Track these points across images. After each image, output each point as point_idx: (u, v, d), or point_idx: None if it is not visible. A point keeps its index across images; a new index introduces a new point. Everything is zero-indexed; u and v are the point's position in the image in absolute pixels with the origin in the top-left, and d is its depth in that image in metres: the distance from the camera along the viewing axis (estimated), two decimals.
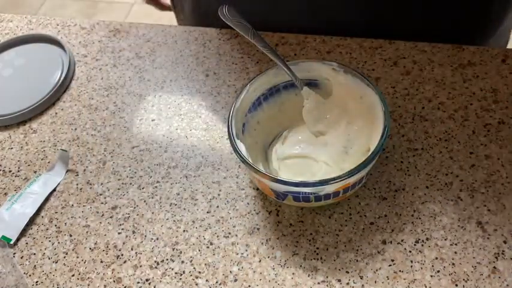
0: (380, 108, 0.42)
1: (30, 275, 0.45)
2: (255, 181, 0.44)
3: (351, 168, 0.39)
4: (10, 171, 0.53)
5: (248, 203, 0.47)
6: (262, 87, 0.47)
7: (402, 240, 0.43)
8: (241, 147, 0.42)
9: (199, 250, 0.45)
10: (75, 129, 0.56)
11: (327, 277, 0.42)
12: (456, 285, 0.40)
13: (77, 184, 0.51)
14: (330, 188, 0.40)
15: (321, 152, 0.46)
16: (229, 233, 0.45)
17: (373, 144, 0.41)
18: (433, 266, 0.41)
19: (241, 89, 0.45)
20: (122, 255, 0.45)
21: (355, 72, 0.45)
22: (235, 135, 0.43)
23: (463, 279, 0.40)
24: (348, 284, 0.41)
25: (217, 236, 0.45)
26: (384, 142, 0.40)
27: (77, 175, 0.52)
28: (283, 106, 0.49)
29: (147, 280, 0.44)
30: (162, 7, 0.84)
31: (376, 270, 0.42)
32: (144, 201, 0.49)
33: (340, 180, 0.39)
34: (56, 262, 0.46)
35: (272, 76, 0.47)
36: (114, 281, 0.44)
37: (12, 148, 0.55)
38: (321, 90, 0.48)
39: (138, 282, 0.44)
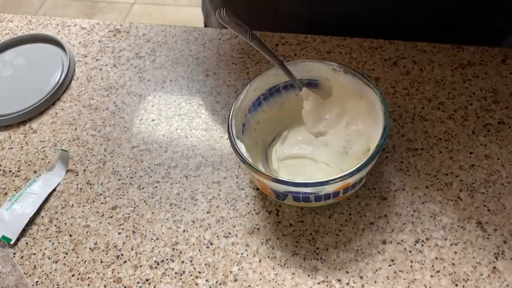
0: (380, 108, 0.42)
1: (30, 275, 0.45)
2: (255, 181, 0.44)
3: (350, 169, 0.39)
4: (10, 171, 0.53)
5: (248, 203, 0.47)
6: (262, 87, 0.47)
7: (402, 240, 0.43)
8: (241, 147, 0.42)
9: (199, 250, 0.45)
10: (75, 129, 0.56)
11: (327, 277, 0.42)
12: (456, 285, 0.40)
13: (77, 184, 0.51)
14: (330, 188, 0.40)
15: (321, 152, 0.46)
16: (229, 233, 0.45)
17: (373, 144, 0.41)
18: (433, 266, 0.41)
19: (241, 89, 0.45)
20: (122, 255, 0.45)
21: (355, 72, 0.45)
22: (235, 135, 0.43)
23: (463, 279, 0.40)
24: (348, 284, 0.41)
25: (217, 236, 0.45)
26: (384, 142, 0.40)
27: (77, 175, 0.52)
28: (283, 106, 0.49)
29: (147, 280, 0.44)
30: None
31: (376, 270, 0.42)
32: (144, 201, 0.49)
33: (340, 180, 0.39)
34: (56, 262, 0.46)
35: (272, 76, 0.47)
36: (114, 281, 0.44)
37: (12, 148, 0.55)
38: (321, 91, 0.48)
39: (138, 282, 0.44)
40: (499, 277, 0.40)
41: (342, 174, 0.39)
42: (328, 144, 0.46)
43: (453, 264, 0.41)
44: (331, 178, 0.39)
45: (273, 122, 0.49)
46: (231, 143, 0.42)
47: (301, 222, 0.45)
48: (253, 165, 0.40)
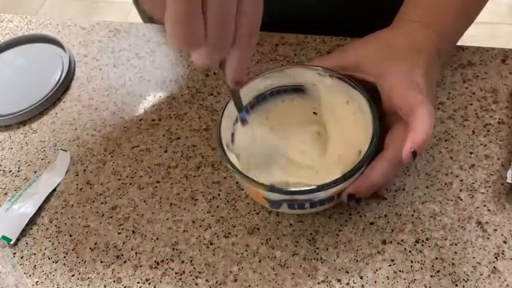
0: (368, 112, 0.42)
1: (30, 275, 0.45)
2: (248, 190, 0.44)
3: (342, 174, 0.39)
4: (10, 171, 0.53)
5: (248, 203, 0.47)
6: (248, 95, 0.46)
7: (402, 240, 0.43)
8: (232, 158, 0.41)
9: (199, 250, 0.45)
10: (75, 129, 0.56)
11: (327, 277, 0.42)
12: (456, 285, 0.40)
13: (77, 184, 0.51)
14: (323, 194, 0.39)
15: (313, 158, 0.46)
16: (229, 233, 0.45)
17: (364, 148, 0.40)
18: (433, 266, 0.41)
19: (228, 100, 0.44)
20: (122, 255, 0.45)
21: (340, 76, 0.44)
22: (226, 145, 0.42)
23: (463, 279, 0.40)
24: (348, 284, 0.41)
25: (217, 236, 0.45)
26: (373, 146, 0.39)
27: (77, 175, 0.52)
28: (270, 114, 0.48)
29: (147, 280, 0.44)
30: None
31: (376, 270, 0.42)
32: (144, 201, 0.49)
33: (334, 186, 0.38)
34: (56, 262, 0.46)
35: (258, 84, 0.46)
36: (114, 281, 0.44)
37: (12, 148, 0.55)
38: (309, 96, 0.47)
39: (138, 282, 0.44)
40: (499, 277, 0.40)
41: (334, 180, 0.38)
42: (320, 150, 0.46)
43: (453, 264, 0.41)
44: (325, 184, 0.38)
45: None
46: (222, 154, 0.41)
47: (301, 222, 0.45)
48: (246, 174, 0.39)
